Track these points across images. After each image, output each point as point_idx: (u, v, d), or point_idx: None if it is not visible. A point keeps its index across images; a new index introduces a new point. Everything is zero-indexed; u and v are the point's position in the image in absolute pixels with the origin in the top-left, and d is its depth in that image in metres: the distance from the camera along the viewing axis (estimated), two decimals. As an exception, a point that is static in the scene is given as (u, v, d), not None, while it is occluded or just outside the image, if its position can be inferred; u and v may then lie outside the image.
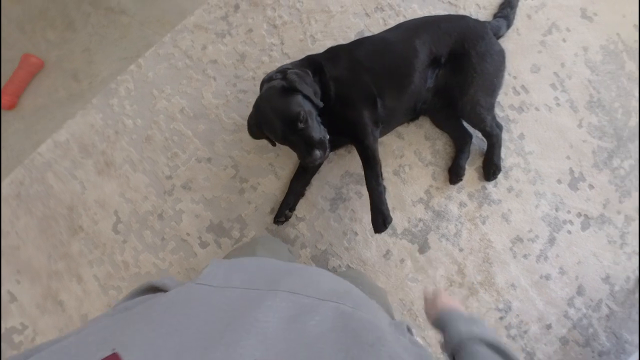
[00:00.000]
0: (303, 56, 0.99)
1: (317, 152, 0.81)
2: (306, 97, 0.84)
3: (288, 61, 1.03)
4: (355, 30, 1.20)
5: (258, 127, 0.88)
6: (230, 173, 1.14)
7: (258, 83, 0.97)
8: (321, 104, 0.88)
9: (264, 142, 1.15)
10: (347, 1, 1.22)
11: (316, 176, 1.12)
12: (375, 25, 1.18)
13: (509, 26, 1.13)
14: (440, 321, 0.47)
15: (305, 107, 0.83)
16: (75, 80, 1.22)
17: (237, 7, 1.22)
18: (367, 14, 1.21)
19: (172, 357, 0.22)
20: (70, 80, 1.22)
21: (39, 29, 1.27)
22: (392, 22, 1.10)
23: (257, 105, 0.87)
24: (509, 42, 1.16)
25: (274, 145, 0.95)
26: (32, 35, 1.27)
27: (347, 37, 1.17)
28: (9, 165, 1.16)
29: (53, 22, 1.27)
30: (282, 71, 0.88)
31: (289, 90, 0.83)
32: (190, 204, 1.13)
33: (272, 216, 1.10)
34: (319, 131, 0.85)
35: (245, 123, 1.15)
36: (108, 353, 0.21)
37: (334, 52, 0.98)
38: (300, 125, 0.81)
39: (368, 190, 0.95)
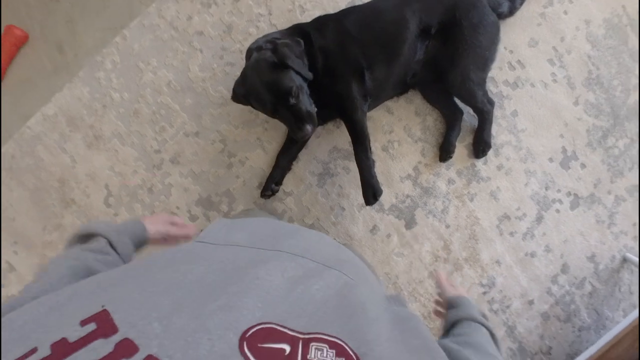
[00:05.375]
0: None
1: (308, 127, 0.82)
2: (297, 72, 0.82)
3: (275, 32, 1.00)
4: (345, 0, 1.15)
5: (245, 97, 0.86)
6: (218, 147, 1.13)
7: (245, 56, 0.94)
8: (311, 76, 0.86)
9: (251, 117, 1.13)
10: (339, -31, 1.16)
11: (304, 151, 1.12)
12: (368, -5, 1.13)
13: (512, 8, 1.02)
14: (450, 302, 0.52)
15: (297, 82, 0.82)
16: (60, 53, 1.20)
17: (224, -26, 1.17)
18: (359, -17, 1.16)
19: (165, 314, 0.21)
20: (55, 52, 1.20)
21: (21, -2, 1.23)
22: (384, -9, 1.05)
23: (246, 76, 0.84)
24: (507, 13, 1.11)
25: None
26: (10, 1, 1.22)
27: (337, 7, 1.12)
28: (-1, 138, 1.17)
29: (36, -9, 1.23)
30: (272, 41, 0.85)
31: (280, 66, 0.81)
32: (179, 178, 1.13)
33: (260, 190, 1.11)
34: (309, 105, 0.85)
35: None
36: (98, 309, 0.21)
37: (322, 22, 0.95)
38: (292, 101, 0.81)
39: (357, 164, 0.94)
